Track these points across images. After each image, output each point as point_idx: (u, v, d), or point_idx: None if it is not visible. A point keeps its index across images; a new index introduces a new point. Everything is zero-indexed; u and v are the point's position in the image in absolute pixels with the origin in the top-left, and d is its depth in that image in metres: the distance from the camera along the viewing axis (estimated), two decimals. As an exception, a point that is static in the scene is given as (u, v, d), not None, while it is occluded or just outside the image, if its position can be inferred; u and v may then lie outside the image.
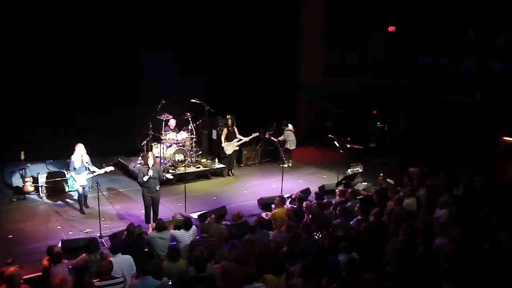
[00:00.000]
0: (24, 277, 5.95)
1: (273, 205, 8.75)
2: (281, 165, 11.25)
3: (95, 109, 11.93)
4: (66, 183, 10.27)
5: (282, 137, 13.04)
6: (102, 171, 9.21)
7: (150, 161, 8.50)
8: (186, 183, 10.17)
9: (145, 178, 8.37)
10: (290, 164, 13.13)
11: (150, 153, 9.57)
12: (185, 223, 7.34)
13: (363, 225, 7.24)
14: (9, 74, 10.87)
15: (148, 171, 8.38)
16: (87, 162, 9.16)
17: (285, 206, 8.57)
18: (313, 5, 15.59)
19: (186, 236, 7.25)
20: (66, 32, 11.36)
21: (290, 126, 13.24)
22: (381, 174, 10.20)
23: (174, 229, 7.46)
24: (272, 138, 12.21)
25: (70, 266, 6.38)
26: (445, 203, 7.83)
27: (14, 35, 10.87)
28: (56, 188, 10.32)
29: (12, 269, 5.54)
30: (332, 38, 15.67)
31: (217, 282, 5.86)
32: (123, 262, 6.14)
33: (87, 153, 9.26)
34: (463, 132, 13.03)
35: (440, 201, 7.90)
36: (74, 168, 9.12)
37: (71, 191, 10.24)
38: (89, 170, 9.12)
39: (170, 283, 5.62)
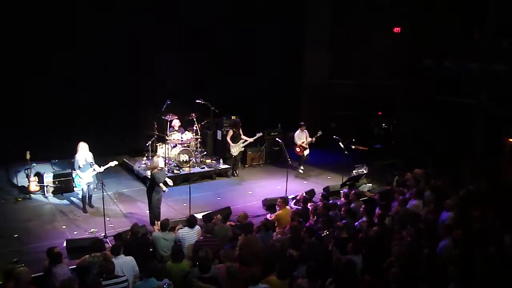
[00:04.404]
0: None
1: (276, 206, 8.73)
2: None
3: (100, 109, 11.96)
4: (73, 182, 10.32)
5: (309, 139, 12.68)
6: (106, 166, 9.22)
7: (161, 163, 8.57)
8: (190, 183, 10.18)
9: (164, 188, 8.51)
10: (302, 168, 12.90)
11: (157, 155, 9.62)
12: (189, 221, 7.34)
13: (368, 227, 7.23)
14: (12, 74, 10.89)
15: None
16: (91, 162, 9.21)
17: (287, 207, 8.55)
18: (317, 6, 15.56)
19: (190, 234, 7.24)
20: (68, 32, 11.37)
21: None
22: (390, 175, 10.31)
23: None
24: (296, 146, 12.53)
25: (74, 266, 6.40)
26: (452, 205, 7.80)
27: (15, 34, 10.87)
28: (64, 188, 10.34)
29: (21, 268, 5.57)
30: (336, 39, 15.64)
31: (221, 283, 5.86)
32: (124, 264, 6.11)
33: (91, 152, 9.32)
34: (468, 134, 13.00)
35: (447, 204, 7.88)
36: (79, 167, 9.18)
37: (77, 188, 10.25)
38: (93, 168, 9.17)
39: (165, 286, 5.54)
